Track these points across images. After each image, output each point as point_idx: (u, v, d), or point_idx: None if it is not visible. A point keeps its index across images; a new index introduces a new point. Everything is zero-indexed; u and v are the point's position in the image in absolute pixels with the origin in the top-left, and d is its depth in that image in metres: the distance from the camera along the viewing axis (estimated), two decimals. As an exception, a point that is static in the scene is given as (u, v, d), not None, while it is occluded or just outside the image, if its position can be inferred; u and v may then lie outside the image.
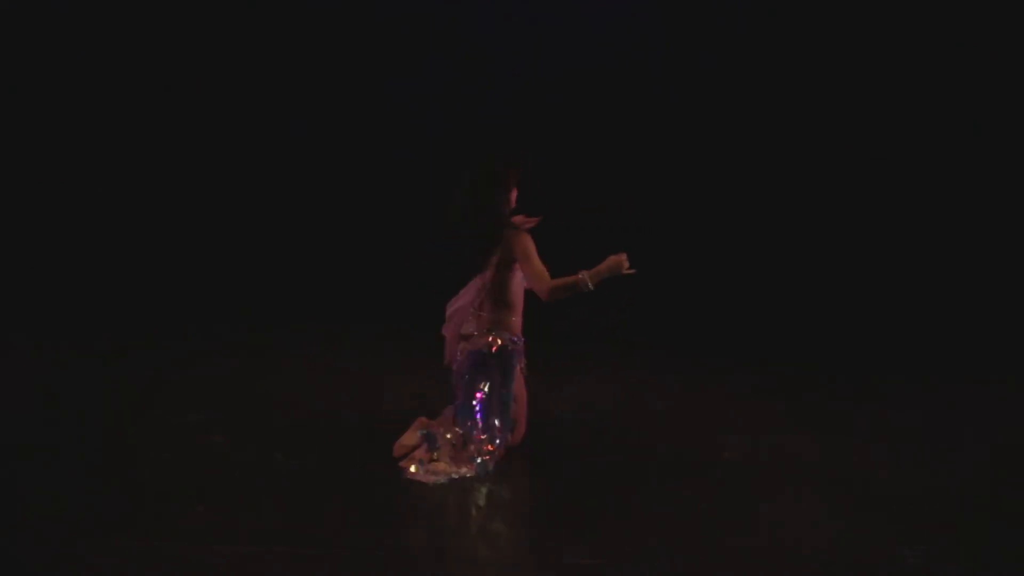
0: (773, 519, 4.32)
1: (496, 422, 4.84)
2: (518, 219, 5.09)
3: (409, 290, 7.50)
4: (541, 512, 4.39)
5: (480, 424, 4.83)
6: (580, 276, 4.78)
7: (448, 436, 4.81)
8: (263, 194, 9.07)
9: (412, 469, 4.71)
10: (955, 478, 4.82)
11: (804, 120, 8.93)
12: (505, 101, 9.08)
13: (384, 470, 4.83)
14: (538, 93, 9.12)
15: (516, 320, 5.03)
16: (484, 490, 4.72)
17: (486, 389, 4.88)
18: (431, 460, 4.74)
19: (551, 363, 6.82)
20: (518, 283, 5.00)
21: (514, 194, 5.07)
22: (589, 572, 3.78)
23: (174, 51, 9.09)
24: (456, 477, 4.68)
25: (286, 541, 3.96)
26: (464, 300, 5.05)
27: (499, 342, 4.94)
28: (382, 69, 9.13)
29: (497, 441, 4.82)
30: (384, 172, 8.98)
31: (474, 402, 4.87)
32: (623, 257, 4.83)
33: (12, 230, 8.95)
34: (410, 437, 4.89)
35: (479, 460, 4.75)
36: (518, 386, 5.04)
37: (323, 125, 9.16)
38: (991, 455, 5.20)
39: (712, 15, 8.99)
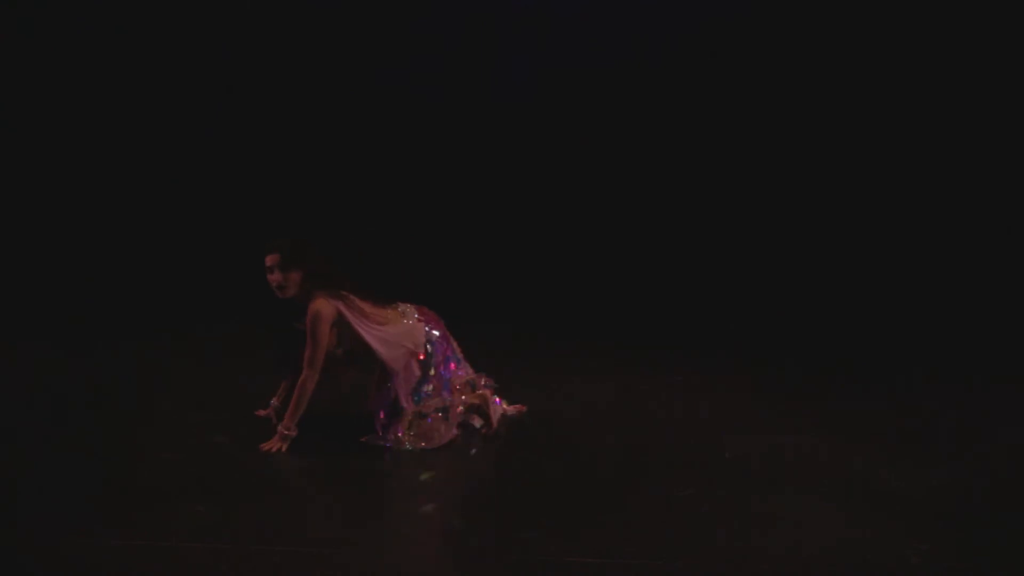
0: (776, 519, 4.31)
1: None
2: None
3: (412, 289, 7.49)
4: (544, 512, 4.39)
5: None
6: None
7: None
8: (266, 192, 9.07)
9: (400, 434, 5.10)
10: (958, 478, 4.81)
11: (806, 119, 8.93)
12: (505, 101, 9.09)
13: (387, 469, 4.83)
14: (538, 93, 9.13)
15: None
16: (485, 490, 4.73)
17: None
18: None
19: (553, 362, 6.86)
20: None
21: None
22: (593, 571, 3.78)
23: (170, 50, 9.10)
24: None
25: (289, 540, 3.95)
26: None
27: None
28: (381, 69, 9.14)
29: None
30: (385, 171, 8.98)
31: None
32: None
33: (14, 230, 8.95)
34: None
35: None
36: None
37: (324, 125, 9.17)
38: (994, 454, 5.19)
39: (711, 15, 8.99)
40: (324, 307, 5.00)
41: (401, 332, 5.20)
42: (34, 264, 8.80)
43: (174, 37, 9.07)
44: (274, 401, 5.41)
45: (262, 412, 5.41)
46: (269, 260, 5.09)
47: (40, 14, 9.02)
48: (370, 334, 5.09)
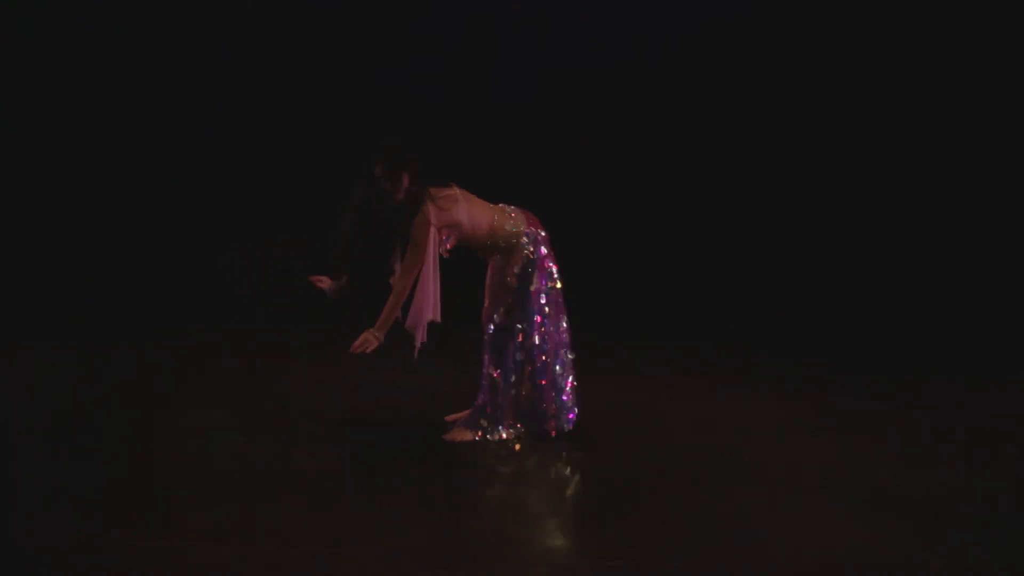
0: (777, 519, 4.31)
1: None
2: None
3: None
4: (543, 511, 4.39)
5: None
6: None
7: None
8: (266, 192, 9.07)
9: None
10: (961, 478, 4.81)
11: (807, 119, 8.94)
12: (505, 101, 9.09)
13: (400, 469, 4.81)
14: (538, 93, 9.13)
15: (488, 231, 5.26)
16: (502, 490, 4.73)
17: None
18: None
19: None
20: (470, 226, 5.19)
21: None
22: (593, 571, 3.78)
23: (170, 50, 9.10)
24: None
25: (304, 541, 3.94)
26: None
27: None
28: (381, 69, 9.14)
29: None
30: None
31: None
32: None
33: (14, 230, 8.95)
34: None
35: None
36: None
37: (324, 125, 9.16)
38: (996, 455, 5.19)
39: (711, 15, 9.00)
40: (429, 212, 5.04)
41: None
42: (35, 264, 8.79)
43: (174, 37, 9.07)
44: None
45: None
46: (377, 170, 5.10)
47: (40, 14, 9.02)
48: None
